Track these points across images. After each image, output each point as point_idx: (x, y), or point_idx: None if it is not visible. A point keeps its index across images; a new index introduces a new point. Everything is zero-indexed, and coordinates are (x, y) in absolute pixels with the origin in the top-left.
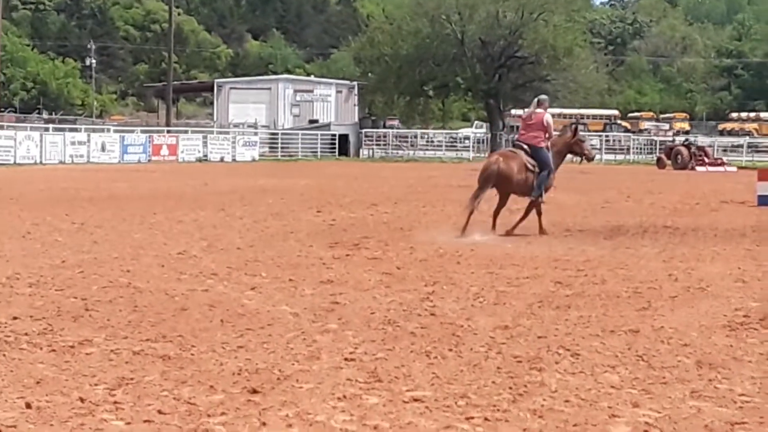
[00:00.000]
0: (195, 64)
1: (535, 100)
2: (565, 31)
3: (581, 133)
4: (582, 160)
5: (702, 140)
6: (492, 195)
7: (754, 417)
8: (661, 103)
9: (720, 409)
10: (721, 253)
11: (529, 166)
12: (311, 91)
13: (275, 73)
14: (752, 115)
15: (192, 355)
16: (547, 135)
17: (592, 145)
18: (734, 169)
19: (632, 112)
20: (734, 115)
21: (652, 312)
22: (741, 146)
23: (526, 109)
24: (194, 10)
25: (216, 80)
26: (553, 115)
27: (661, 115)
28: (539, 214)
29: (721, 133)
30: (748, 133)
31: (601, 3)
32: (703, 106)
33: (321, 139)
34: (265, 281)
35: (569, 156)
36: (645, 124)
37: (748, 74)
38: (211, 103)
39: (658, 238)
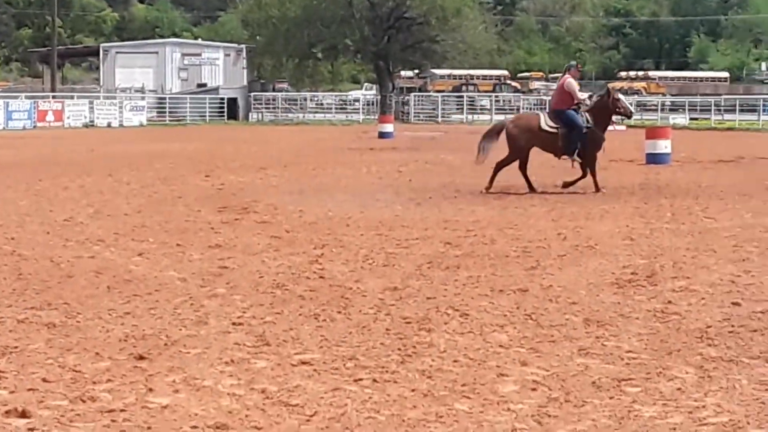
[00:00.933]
0: (80, 28)
1: (566, 66)
2: None
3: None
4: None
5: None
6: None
7: (640, 373)
8: (551, 62)
9: (607, 366)
10: (610, 211)
11: (546, 127)
12: (199, 55)
13: (162, 36)
14: (641, 73)
15: (78, 322)
16: (569, 98)
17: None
18: (623, 127)
19: (522, 72)
20: (623, 74)
21: (540, 271)
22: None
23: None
24: None
25: (102, 44)
26: (442, 76)
27: (551, 75)
28: (593, 173)
29: None
30: (637, 92)
31: None
32: (592, 65)
33: (209, 103)
34: (152, 247)
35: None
36: (535, 84)
37: (636, 33)
38: (98, 68)
39: (548, 197)
